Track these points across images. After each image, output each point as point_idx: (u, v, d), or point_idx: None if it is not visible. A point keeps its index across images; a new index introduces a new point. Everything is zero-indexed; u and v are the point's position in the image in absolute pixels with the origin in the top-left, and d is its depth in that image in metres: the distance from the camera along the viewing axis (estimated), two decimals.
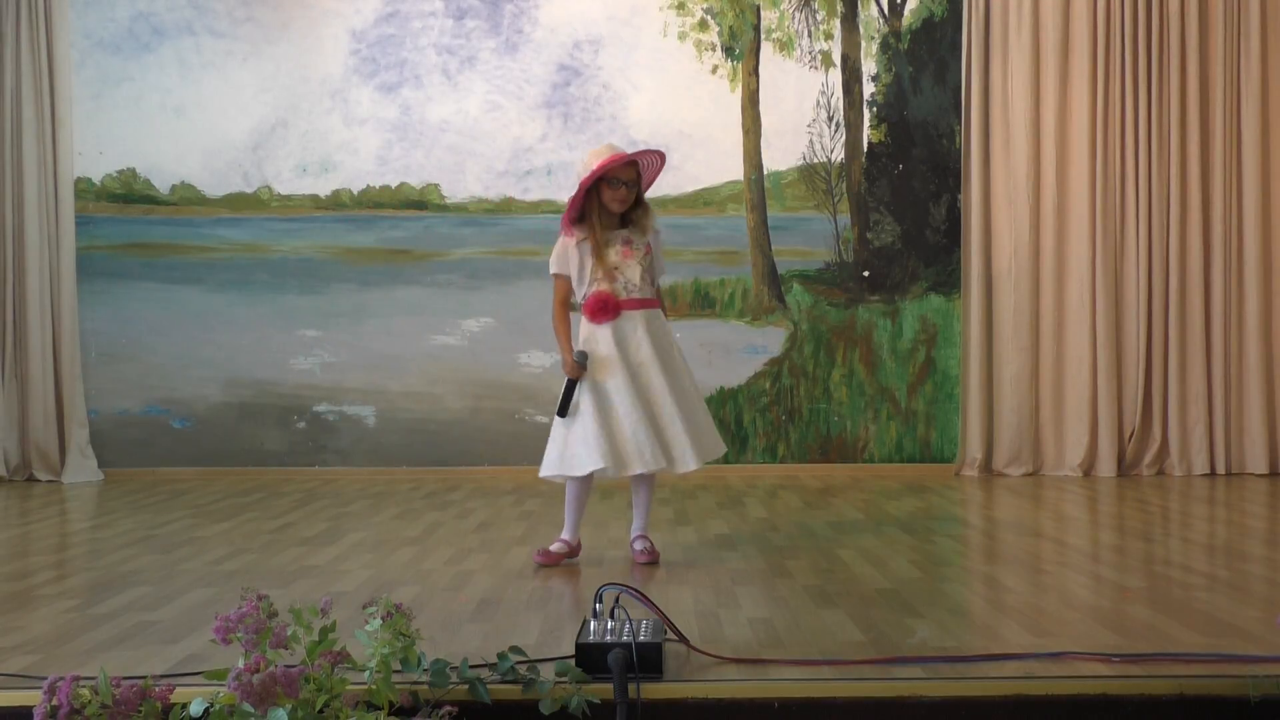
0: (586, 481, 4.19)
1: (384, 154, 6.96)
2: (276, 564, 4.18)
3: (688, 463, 4.09)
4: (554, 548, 4.18)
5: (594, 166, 4.08)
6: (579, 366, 4.09)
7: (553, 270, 4.25)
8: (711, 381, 6.92)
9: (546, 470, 4.16)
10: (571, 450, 4.09)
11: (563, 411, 4.12)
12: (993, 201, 6.82)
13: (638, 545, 4.21)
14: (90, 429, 6.82)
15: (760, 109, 6.93)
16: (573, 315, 4.28)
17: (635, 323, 4.17)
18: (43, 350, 6.71)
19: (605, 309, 4.13)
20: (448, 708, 2.34)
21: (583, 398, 4.09)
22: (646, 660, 2.59)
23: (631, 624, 2.66)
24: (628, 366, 4.11)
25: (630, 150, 4.19)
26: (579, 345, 4.17)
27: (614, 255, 4.16)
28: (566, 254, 4.21)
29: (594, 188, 4.12)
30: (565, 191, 6.94)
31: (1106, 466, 6.65)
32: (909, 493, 6.03)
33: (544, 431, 6.67)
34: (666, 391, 4.13)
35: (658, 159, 4.25)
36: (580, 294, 4.21)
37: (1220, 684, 2.58)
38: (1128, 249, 6.73)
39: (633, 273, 4.17)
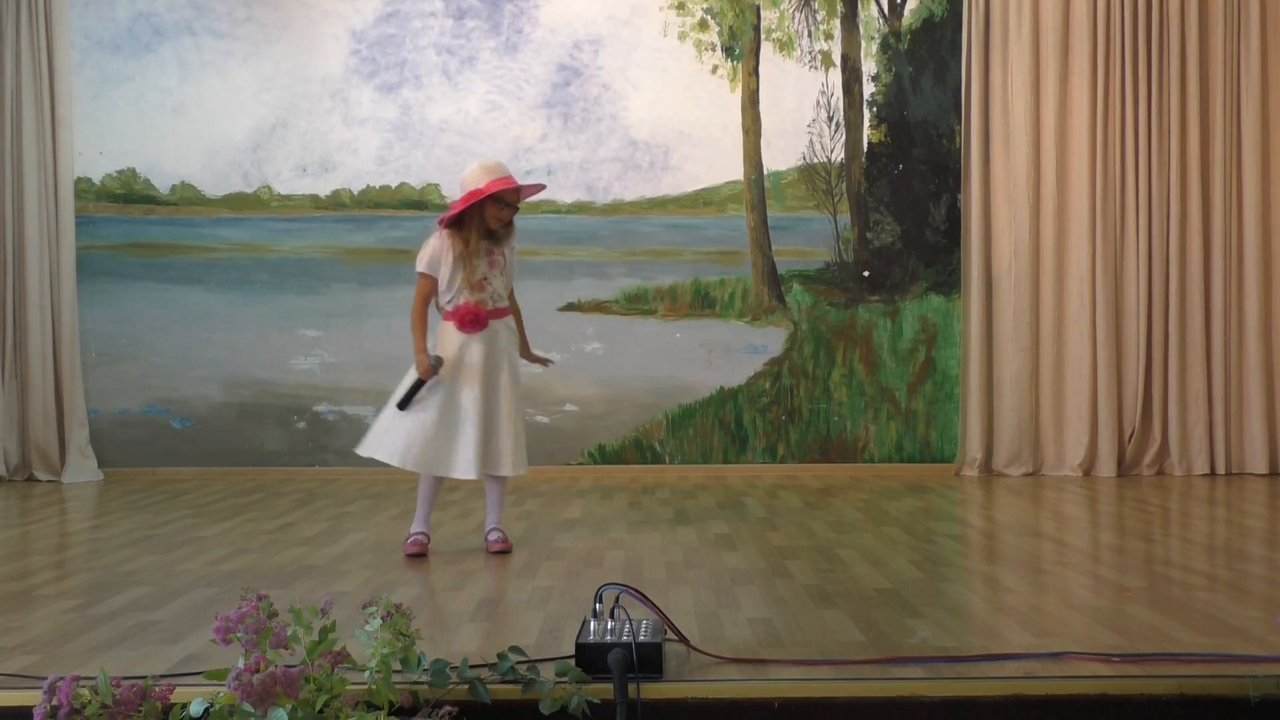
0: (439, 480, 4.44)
1: (384, 154, 6.96)
2: (276, 564, 4.18)
3: (508, 468, 4.36)
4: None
5: (486, 182, 4.22)
6: (433, 370, 4.23)
7: (421, 269, 4.34)
8: (711, 381, 6.92)
9: (378, 453, 4.31)
10: (419, 446, 4.25)
11: (404, 405, 4.25)
12: (993, 201, 6.82)
13: (492, 536, 4.42)
14: (90, 429, 6.82)
15: (760, 109, 6.93)
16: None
17: (498, 332, 4.38)
18: (43, 350, 6.71)
19: (477, 321, 4.30)
20: (448, 708, 2.34)
21: (444, 398, 4.26)
22: (646, 660, 2.58)
23: (631, 624, 2.66)
24: (487, 375, 4.31)
25: (522, 180, 4.44)
26: (442, 347, 4.31)
27: (483, 267, 4.31)
28: (440, 258, 4.31)
29: (480, 201, 4.24)
30: (565, 191, 6.95)
31: (1106, 466, 6.65)
32: (909, 493, 6.03)
33: (544, 431, 6.81)
34: (503, 400, 4.35)
35: (538, 189, 4.57)
36: (445, 299, 4.34)
37: (1220, 684, 2.57)
38: (1128, 249, 6.73)
39: (498, 284, 4.36)
